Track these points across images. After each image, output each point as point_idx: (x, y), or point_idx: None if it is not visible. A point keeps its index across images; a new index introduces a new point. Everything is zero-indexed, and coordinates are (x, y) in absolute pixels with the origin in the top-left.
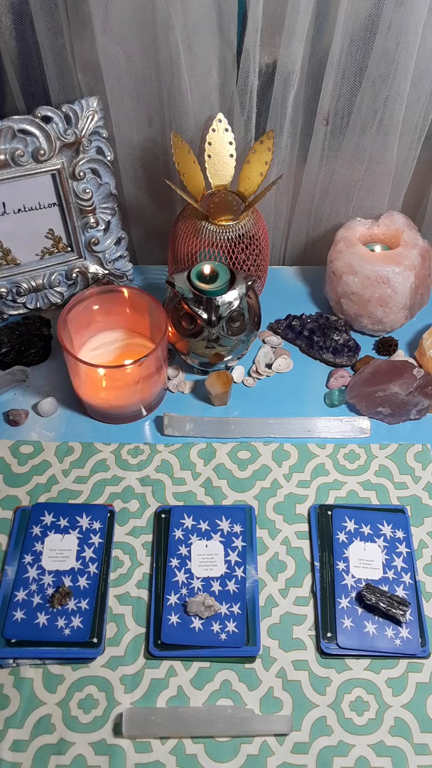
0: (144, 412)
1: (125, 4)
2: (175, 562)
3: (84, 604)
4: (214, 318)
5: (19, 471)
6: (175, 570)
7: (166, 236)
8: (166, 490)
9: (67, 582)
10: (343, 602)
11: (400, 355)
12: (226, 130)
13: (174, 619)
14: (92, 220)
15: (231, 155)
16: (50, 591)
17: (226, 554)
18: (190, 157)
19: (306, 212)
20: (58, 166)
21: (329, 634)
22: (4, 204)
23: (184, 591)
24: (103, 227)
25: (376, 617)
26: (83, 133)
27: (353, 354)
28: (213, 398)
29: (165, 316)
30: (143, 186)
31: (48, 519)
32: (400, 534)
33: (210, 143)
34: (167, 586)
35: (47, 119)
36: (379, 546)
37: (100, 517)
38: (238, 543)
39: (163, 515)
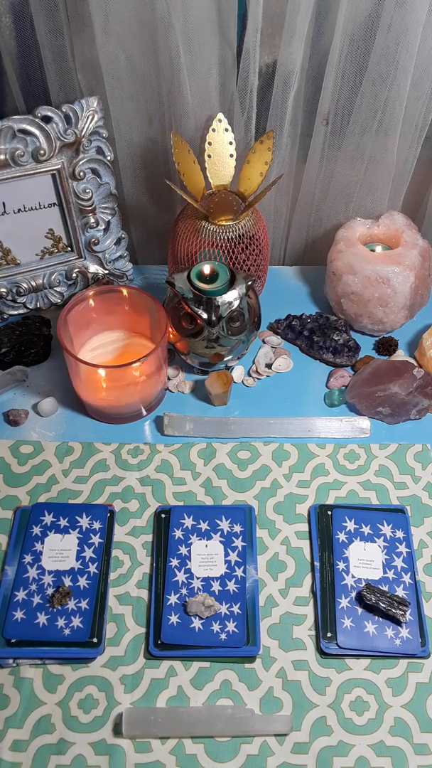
0: (144, 412)
1: (125, 4)
2: (175, 562)
3: (84, 604)
4: (214, 318)
5: (19, 471)
6: (175, 570)
7: (166, 236)
8: (166, 490)
9: (67, 582)
10: (343, 602)
11: (400, 355)
12: (226, 130)
13: (174, 619)
14: (92, 220)
15: (231, 155)
16: (50, 591)
17: (226, 554)
18: (190, 157)
19: (306, 212)
20: (58, 166)
21: (329, 634)
22: (4, 204)
23: (184, 591)
24: (103, 227)
25: (376, 617)
26: (83, 133)
27: (353, 354)
28: (213, 398)
29: (165, 316)
30: (143, 186)
31: (48, 519)
32: (400, 534)
33: (210, 143)
34: (167, 586)
35: (47, 119)
36: (379, 546)
37: (100, 517)
38: (238, 543)
39: (163, 515)
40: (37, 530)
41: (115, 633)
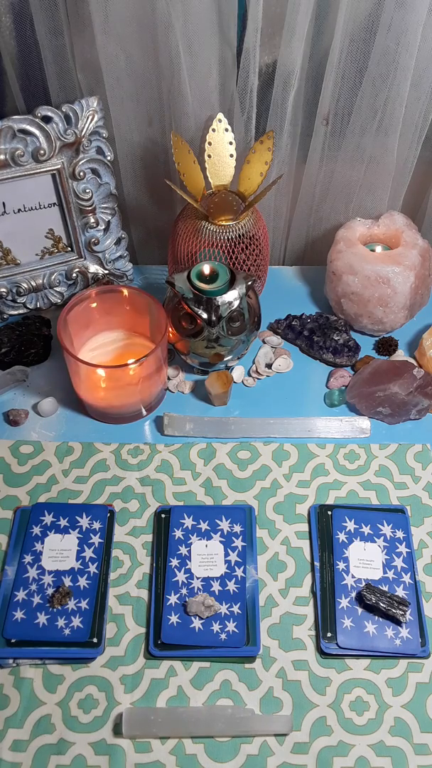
0: (144, 412)
1: (125, 4)
2: (175, 562)
3: (84, 604)
4: (214, 318)
5: (19, 471)
6: (175, 570)
7: (166, 236)
8: (166, 490)
9: (67, 582)
10: (343, 602)
11: (400, 355)
12: (226, 130)
13: (174, 619)
14: (92, 220)
15: (231, 155)
16: (50, 591)
17: (226, 554)
18: (190, 157)
19: (306, 212)
20: (58, 166)
21: (329, 634)
22: (4, 204)
23: (184, 591)
24: (103, 227)
25: (376, 617)
26: (83, 133)
27: (353, 354)
28: (213, 398)
29: (165, 316)
30: (143, 186)
31: (48, 519)
32: (400, 534)
33: (210, 143)
34: (167, 586)
35: (47, 119)
36: (379, 546)
37: (100, 517)
38: (238, 543)
39: (163, 515)
40: (37, 530)
41: (115, 633)
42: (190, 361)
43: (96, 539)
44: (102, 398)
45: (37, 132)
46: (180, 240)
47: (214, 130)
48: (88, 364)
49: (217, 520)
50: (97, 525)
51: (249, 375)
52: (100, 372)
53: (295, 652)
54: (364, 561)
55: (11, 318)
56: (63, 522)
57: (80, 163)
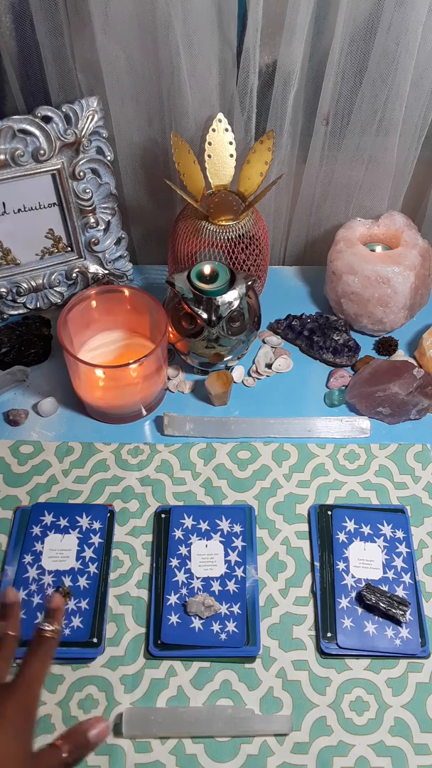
0: (144, 412)
1: (125, 4)
2: (175, 562)
3: (84, 604)
4: (214, 318)
5: (19, 471)
6: (175, 570)
7: (166, 236)
8: (166, 490)
9: (67, 582)
10: (343, 602)
11: (400, 355)
12: (226, 130)
13: (174, 619)
14: (92, 220)
15: (231, 155)
16: (50, 591)
17: (226, 554)
18: (190, 157)
19: (306, 212)
20: (58, 166)
21: (329, 634)
22: (4, 204)
23: (184, 591)
24: (103, 227)
25: (376, 617)
26: (83, 133)
27: (353, 354)
28: (213, 398)
29: (165, 316)
30: (143, 186)
31: (48, 519)
32: (400, 534)
33: (210, 143)
34: (167, 586)
35: (47, 119)
36: (379, 546)
37: (100, 517)
38: (238, 543)
39: (163, 515)
40: (37, 530)
41: (115, 633)
42: (190, 361)
43: (96, 539)
44: (102, 398)
45: (37, 132)
46: (180, 240)
47: (214, 130)
48: (88, 364)
49: (217, 520)
50: (97, 525)
51: (249, 375)
52: (100, 372)
53: (295, 652)
54: (364, 561)
55: (11, 318)
56: (63, 522)
57: (80, 163)
